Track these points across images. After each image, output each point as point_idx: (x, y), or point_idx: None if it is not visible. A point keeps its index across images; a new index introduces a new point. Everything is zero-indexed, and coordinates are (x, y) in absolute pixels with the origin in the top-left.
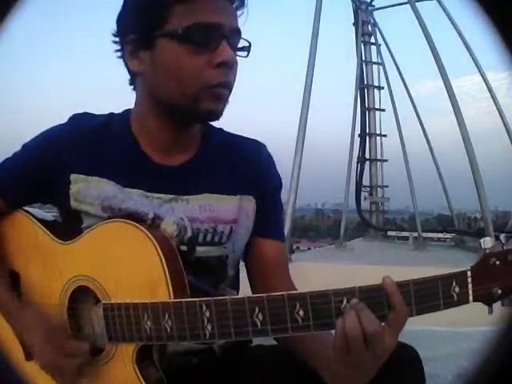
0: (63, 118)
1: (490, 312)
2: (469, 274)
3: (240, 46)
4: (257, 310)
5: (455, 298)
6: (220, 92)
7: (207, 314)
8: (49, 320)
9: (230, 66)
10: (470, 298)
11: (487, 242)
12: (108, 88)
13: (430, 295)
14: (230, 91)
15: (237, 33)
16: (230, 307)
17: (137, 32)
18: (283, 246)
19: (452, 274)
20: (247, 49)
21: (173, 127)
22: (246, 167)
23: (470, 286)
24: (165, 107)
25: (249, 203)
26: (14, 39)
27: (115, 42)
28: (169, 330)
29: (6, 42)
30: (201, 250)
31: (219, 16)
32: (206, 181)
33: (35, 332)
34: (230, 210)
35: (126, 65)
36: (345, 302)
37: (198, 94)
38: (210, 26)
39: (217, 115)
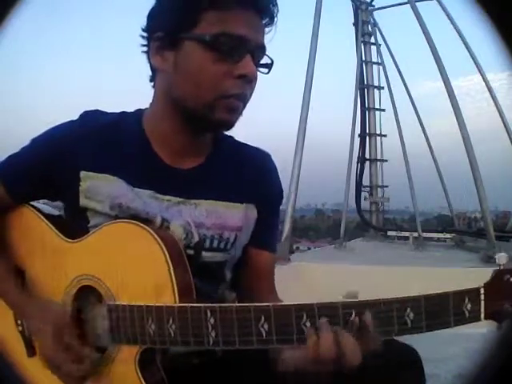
0: (64, 119)
1: (500, 328)
2: (482, 290)
3: (263, 62)
4: (263, 319)
5: (467, 315)
6: (234, 103)
7: (212, 320)
8: (55, 317)
9: (249, 80)
10: (482, 315)
11: (502, 258)
12: (108, 89)
13: (440, 311)
14: (245, 104)
15: (262, 49)
16: (236, 315)
17: (166, 30)
18: (273, 257)
19: (465, 290)
20: (269, 66)
21: (186, 131)
22: (250, 176)
23: (482, 303)
24: (180, 110)
25: (252, 212)
26: (14, 39)
27: (143, 37)
28: (172, 334)
29: (6, 42)
30: (207, 256)
31: (248, 30)
32: (214, 187)
33: (42, 329)
34: (236, 217)
35: (149, 61)
36: (353, 314)
37: (213, 102)
38: (237, 37)
39: (229, 126)
